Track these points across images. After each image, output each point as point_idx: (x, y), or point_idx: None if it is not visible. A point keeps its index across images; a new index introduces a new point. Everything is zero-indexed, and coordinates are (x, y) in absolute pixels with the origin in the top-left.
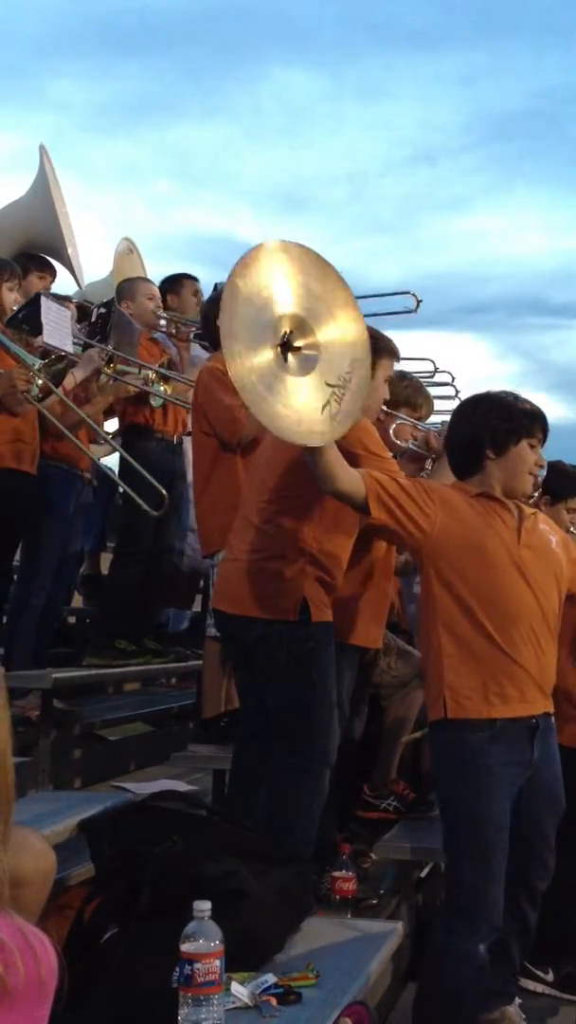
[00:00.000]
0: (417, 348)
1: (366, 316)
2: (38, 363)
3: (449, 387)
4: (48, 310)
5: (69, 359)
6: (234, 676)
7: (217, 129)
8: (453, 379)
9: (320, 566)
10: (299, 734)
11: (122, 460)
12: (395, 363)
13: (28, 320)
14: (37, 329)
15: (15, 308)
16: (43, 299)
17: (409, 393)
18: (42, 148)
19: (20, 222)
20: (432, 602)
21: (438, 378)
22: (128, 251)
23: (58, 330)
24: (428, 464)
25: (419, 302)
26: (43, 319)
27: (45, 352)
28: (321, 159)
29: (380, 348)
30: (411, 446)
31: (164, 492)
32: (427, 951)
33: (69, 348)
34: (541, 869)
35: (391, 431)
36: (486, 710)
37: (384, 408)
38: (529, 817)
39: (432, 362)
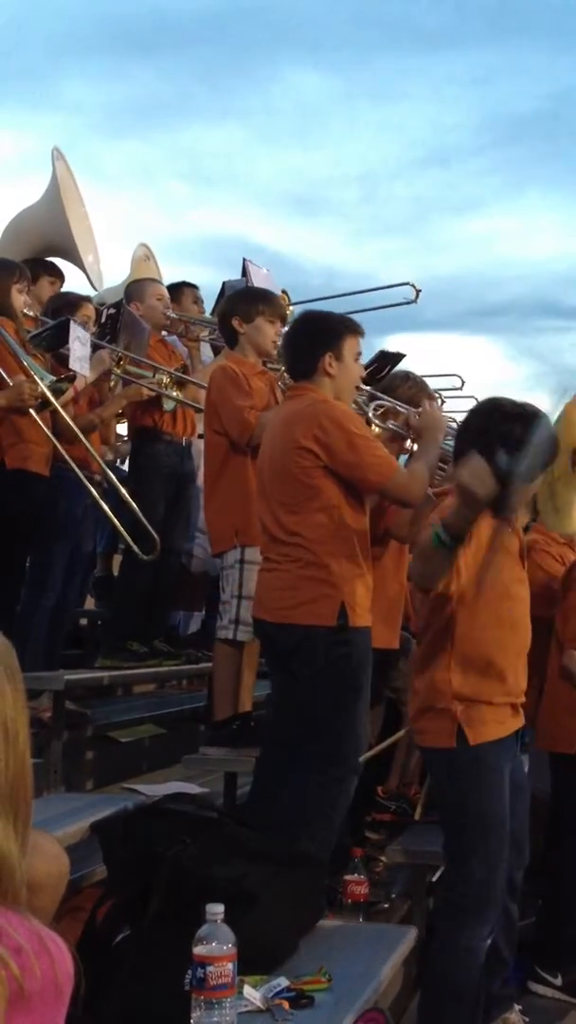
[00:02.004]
0: (427, 352)
1: (366, 311)
2: (48, 379)
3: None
4: (76, 337)
5: (72, 376)
6: (271, 680)
7: (229, 130)
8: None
9: (351, 559)
10: (330, 739)
11: (131, 468)
12: (360, 338)
13: (50, 340)
14: (54, 349)
15: (26, 311)
16: (72, 325)
17: (412, 393)
18: (54, 151)
19: (35, 227)
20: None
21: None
22: (145, 257)
23: (82, 355)
24: (409, 444)
25: (418, 292)
26: (71, 346)
27: (55, 368)
28: (333, 161)
29: (341, 329)
30: (392, 426)
31: (157, 538)
32: (431, 952)
33: (88, 373)
34: (518, 858)
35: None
36: (503, 730)
37: (368, 388)
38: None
39: (460, 377)
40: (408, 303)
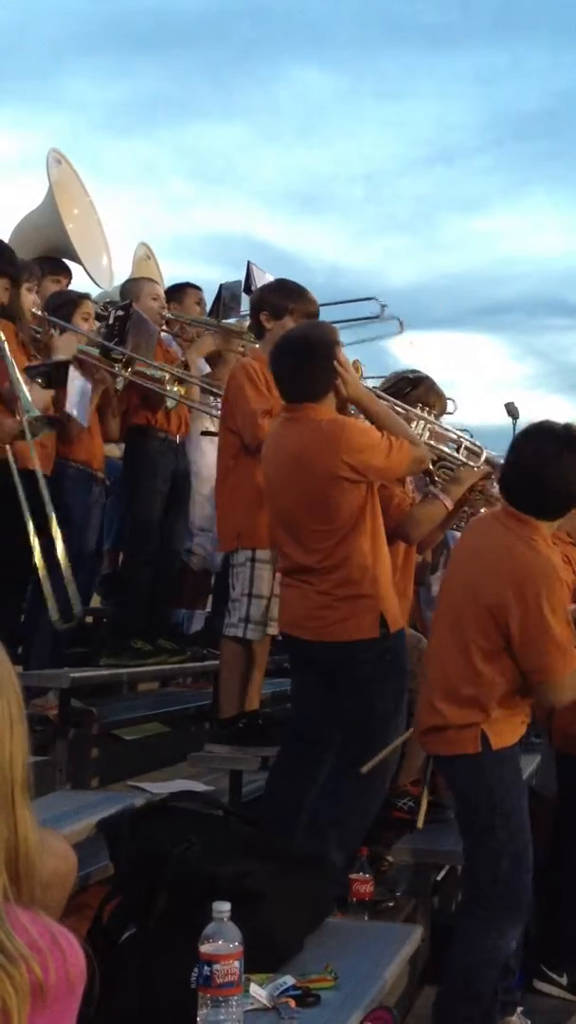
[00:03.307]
0: (432, 349)
1: (335, 323)
2: (34, 413)
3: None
4: (73, 384)
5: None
6: (299, 683)
7: (234, 129)
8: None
9: (384, 568)
10: (374, 744)
11: (126, 467)
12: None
13: (45, 376)
14: (49, 385)
15: (33, 310)
16: (71, 370)
17: (421, 393)
18: (51, 154)
19: (35, 232)
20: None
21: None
22: (146, 257)
23: (80, 403)
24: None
25: (383, 307)
26: (69, 388)
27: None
28: (338, 159)
29: (336, 342)
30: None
31: (78, 611)
32: (453, 953)
33: (85, 422)
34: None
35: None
36: (516, 737)
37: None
38: None
39: (376, 300)
40: (374, 318)
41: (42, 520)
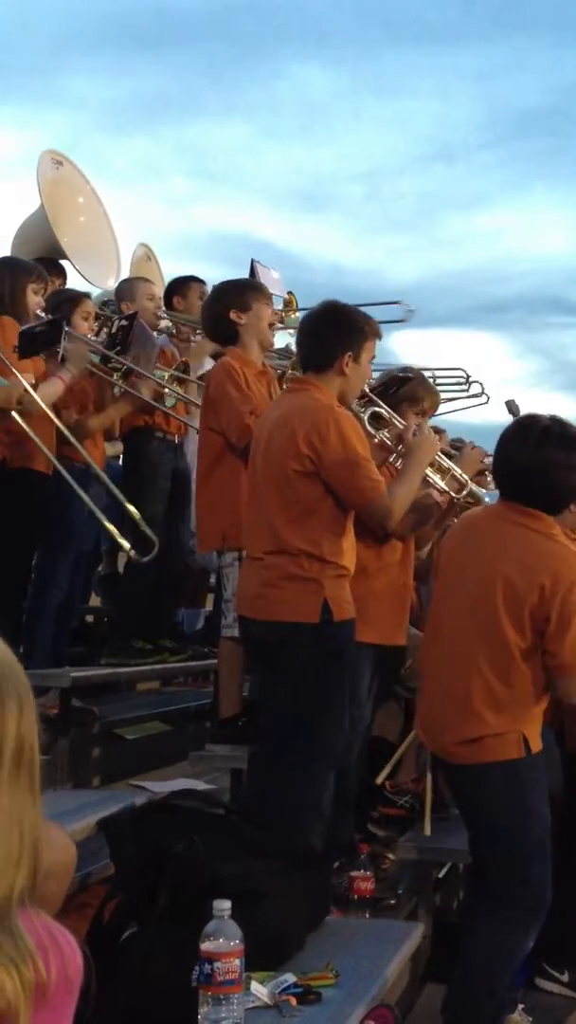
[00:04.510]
0: (432, 347)
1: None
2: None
3: (481, 396)
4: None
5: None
6: (254, 676)
7: (234, 127)
8: (483, 389)
9: (335, 563)
10: (310, 732)
11: (126, 468)
12: (377, 341)
13: (39, 337)
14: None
15: (39, 313)
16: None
17: (413, 387)
18: (44, 156)
19: (33, 233)
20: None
21: (471, 389)
22: (146, 258)
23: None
24: (394, 459)
25: (411, 311)
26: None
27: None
28: (338, 157)
29: (366, 329)
30: (384, 436)
31: (155, 540)
32: (473, 951)
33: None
34: None
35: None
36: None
37: (368, 393)
38: None
39: (464, 371)
40: (397, 321)
41: (42, 520)
